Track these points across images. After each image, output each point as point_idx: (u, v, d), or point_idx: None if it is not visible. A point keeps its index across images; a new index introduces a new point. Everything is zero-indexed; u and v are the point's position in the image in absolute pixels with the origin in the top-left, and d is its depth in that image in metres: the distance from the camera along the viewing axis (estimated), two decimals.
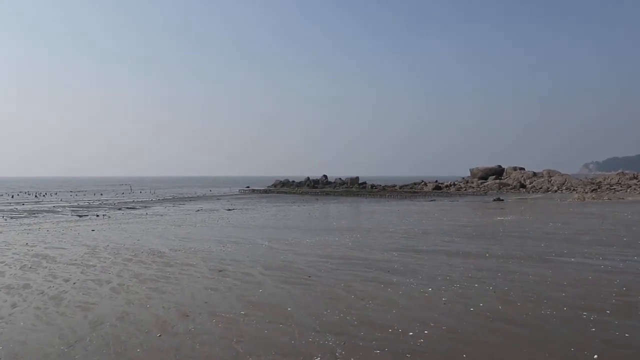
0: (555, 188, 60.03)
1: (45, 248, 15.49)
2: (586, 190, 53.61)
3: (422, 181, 74.29)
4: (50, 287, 9.17)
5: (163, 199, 54.08)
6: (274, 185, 79.88)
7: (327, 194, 61.37)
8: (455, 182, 70.18)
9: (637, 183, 55.31)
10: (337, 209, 33.89)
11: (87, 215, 31.96)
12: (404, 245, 14.09)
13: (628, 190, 51.65)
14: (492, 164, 73.47)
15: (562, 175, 67.33)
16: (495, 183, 65.23)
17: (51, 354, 5.57)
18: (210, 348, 5.54)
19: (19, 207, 40.71)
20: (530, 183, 64.19)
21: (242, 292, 8.29)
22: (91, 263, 12.14)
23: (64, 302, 7.86)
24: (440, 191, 62.21)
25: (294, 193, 64.79)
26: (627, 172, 67.49)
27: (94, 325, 6.47)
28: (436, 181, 73.00)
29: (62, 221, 27.34)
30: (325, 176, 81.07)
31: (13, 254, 14.05)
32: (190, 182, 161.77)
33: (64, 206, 42.76)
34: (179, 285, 8.93)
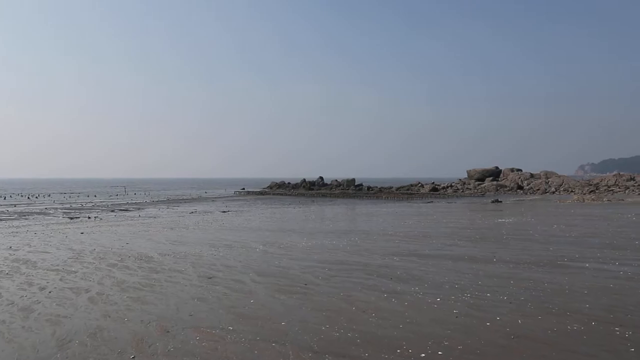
0: (552, 189, 59.60)
1: (29, 252, 14.69)
2: (584, 192, 53.22)
3: (419, 183, 73.66)
4: (22, 296, 8.39)
5: (157, 201, 53.15)
6: (270, 187, 79.08)
7: (324, 195, 60.65)
8: (452, 184, 69.62)
9: (635, 184, 54.89)
10: (334, 211, 33.16)
11: (78, 217, 31.08)
12: (405, 249, 13.38)
13: (626, 191, 51.22)
14: (486, 166, 72.93)
15: (560, 176, 66.94)
16: (493, 185, 64.75)
17: None
18: None
19: (10, 209, 39.71)
20: (528, 184, 63.72)
21: (231, 302, 7.54)
22: (73, 269, 11.37)
23: (33, 315, 7.09)
24: (437, 193, 61.62)
25: (289, 195, 64.01)
26: (623, 173, 67.11)
27: (61, 344, 5.71)
28: (433, 183, 72.41)
29: (52, 223, 26.47)
30: (321, 178, 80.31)
31: None
32: (186, 184, 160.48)
33: (56, 208, 41.82)
34: (164, 295, 8.17)
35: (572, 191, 56.81)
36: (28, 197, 61.86)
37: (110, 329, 6.23)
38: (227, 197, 62.99)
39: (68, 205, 44.90)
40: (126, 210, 39.48)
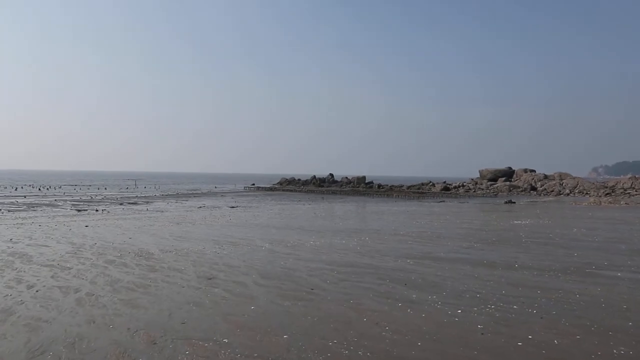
0: (567, 191, 58.22)
1: (28, 245, 14.19)
2: (600, 194, 51.88)
3: (430, 182, 72.60)
4: (7, 295, 7.81)
5: (166, 195, 52.80)
6: (280, 183, 78.51)
7: (334, 192, 59.90)
8: (464, 183, 68.42)
9: None
10: (344, 209, 32.43)
11: (86, 210, 30.70)
12: (418, 251, 12.63)
13: None
14: (500, 166, 71.66)
15: (574, 178, 65.49)
16: (505, 185, 63.49)
17: None
18: None
19: (20, 200, 39.51)
20: (542, 186, 62.35)
21: (230, 308, 6.87)
22: (68, 265, 10.80)
23: (11, 319, 6.47)
24: (448, 192, 60.55)
25: (299, 191, 63.37)
26: (639, 176, 65.47)
27: (32, 356, 5.07)
28: (444, 182, 71.29)
29: (59, 215, 26.08)
30: (331, 175, 79.58)
31: None
32: (197, 178, 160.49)
33: (66, 200, 41.60)
34: (158, 298, 7.52)
35: (587, 193, 55.45)
36: (39, 189, 61.93)
37: (92, 337, 5.58)
38: (237, 192, 62.54)
39: (77, 198, 44.69)
40: (134, 203, 39.11)
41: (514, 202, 40.96)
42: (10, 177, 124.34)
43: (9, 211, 29.04)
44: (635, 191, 53.45)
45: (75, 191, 57.76)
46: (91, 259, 11.74)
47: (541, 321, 6.12)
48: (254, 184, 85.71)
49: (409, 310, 6.63)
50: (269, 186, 75.51)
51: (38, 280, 9.02)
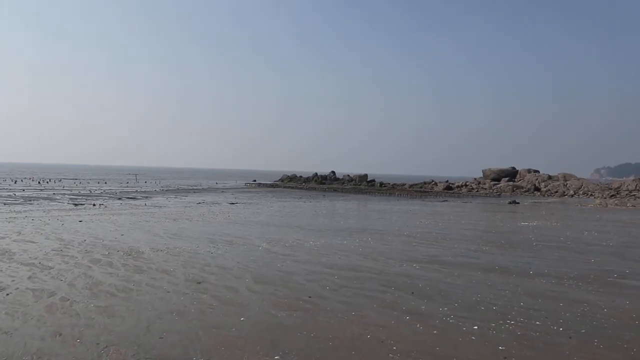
0: (571, 192, 57.37)
1: (14, 241, 13.50)
2: (605, 196, 51.07)
3: (432, 181, 71.77)
4: None
5: (167, 190, 52.10)
6: (281, 179, 77.77)
7: (335, 190, 59.16)
8: (467, 183, 67.58)
9: None
10: (345, 207, 31.68)
11: (83, 204, 30.01)
12: (424, 254, 11.89)
13: None
14: (501, 165, 70.75)
15: (579, 179, 64.65)
16: (509, 185, 62.64)
17: None
18: None
19: (18, 194, 38.83)
20: (545, 186, 61.49)
21: (216, 320, 6.13)
22: (50, 264, 10.09)
23: None
24: (451, 191, 59.75)
25: (301, 188, 62.64)
26: None
27: None
28: (447, 181, 70.45)
29: (55, 209, 25.40)
30: (333, 172, 78.82)
31: None
32: (200, 173, 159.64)
33: (64, 194, 40.91)
34: (138, 305, 6.80)
35: (591, 195, 54.63)
36: (39, 182, 61.33)
37: (52, 355, 4.84)
38: (238, 188, 61.85)
39: (76, 192, 44.02)
40: (133, 198, 38.43)
41: (518, 203, 40.22)
42: (12, 170, 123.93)
43: (4, 204, 28.38)
44: None
45: (75, 185, 57.12)
46: (76, 257, 11.04)
47: (571, 342, 5.37)
48: (255, 180, 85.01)
49: (418, 326, 5.88)
50: (270, 183, 74.79)
51: (13, 281, 8.31)
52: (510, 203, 40.01)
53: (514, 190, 60.68)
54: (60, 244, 13.06)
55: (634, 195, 51.68)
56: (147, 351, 4.95)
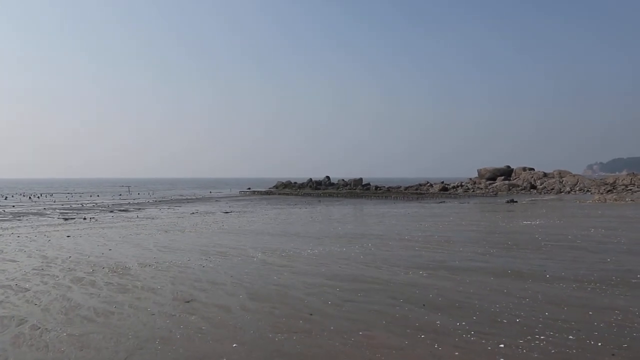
0: (567, 189, 57.03)
1: None
2: (602, 191, 50.78)
3: (428, 182, 71.26)
4: None
5: (160, 201, 51.17)
6: (276, 186, 76.98)
7: (330, 195, 58.46)
8: (463, 183, 67.13)
9: None
10: (341, 212, 30.97)
11: (73, 219, 29.15)
12: (430, 259, 11.19)
13: None
14: (495, 165, 70.33)
15: (574, 176, 64.39)
16: (505, 184, 62.22)
17: None
18: None
19: (7, 210, 37.84)
20: (541, 184, 61.15)
21: (205, 347, 5.37)
22: (27, 285, 9.31)
23: None
24: (447, 192, 59.24)
25: (295, 194, 61.89)
26: (637, 173, 64.40)
27: None
28: (442, 182, 69.96)
29: (43, 225, 24.55)
30: (327, 177, 78.11)
31: None
32: (194, 183, 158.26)
33: (55, 208, 39.97)
34: (118, 331, 6.03)
35: (588, 191, 54.33)
36: (29, 197, 60.26)
37: None
38: (232, 196, 61.04)
39: (68, 206, 43.05)
40: (125, 210, 37.61)
41: (516, 202, 39.74)
42: (1, 185, 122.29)
43: None
44: (637, 187, 52.39)
45: (67, 199, 56.09)
46: (57, 276, 10.26)
47: None
48: (249, 188, 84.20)
49: (436, 346, 5.15)
50: (265, 190, 74.00)
51: None
52: (508, 202, 39.52)
53: (510, 189, 60.26)
54: (42, 262, 12.27)
55: (630, 189, 51.41)
56: None
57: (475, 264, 10.34)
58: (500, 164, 70.19)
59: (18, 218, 29.80)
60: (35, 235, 19.19)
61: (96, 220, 27.30)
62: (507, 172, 68.29)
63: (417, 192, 60.71)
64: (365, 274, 9.46)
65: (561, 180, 61.27)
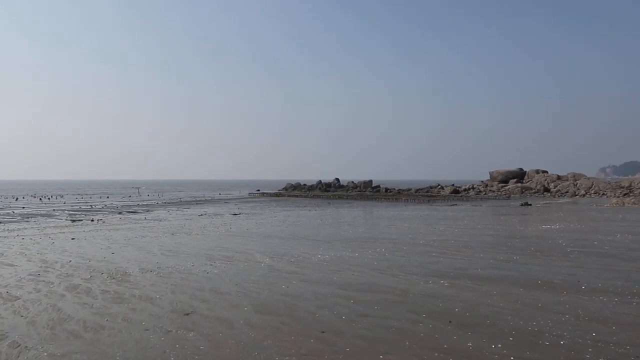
0: (582, 192, 55.73)
1: None
2: (618, 195, 49.49)
3: (439, 185, 70.20)
4: None
5: (169, 203, 50.80)
6: (285, 188, 76.35)
7: (340, 197, 57.68)
8: (474, 186, 66.01)
9: None
10: (352, 214, 30.22)
11: (81, 220, 28.79)
12: (449, 266, 10.41)
13: None
14: (506, 167, 69.10)
15: (589, 178, 63.07)
16: (517, 187, 61.03)
17: None
18: None
19: (17, 211, 37.64)
20: (555, 187, 59.88)
21: None
22: (18, 293, 8.71)
23: None
24: (458, 195, 58.17)
25: (305, 196, 61.22)
26: None
27: None
28: (453, 185, 68.87)
29: (50, 227, 24.15)
30: (337, 179, 77.36)
31: None
32: (204, 185, 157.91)
33: (64, 210, 39.74)
34: (103, 351, 5.35)
35: (603, 194, 53.03)
36: (40, 199, 60.36)
37: None
38: (242, 198, 60.57)
39: (77, 207, 42.82)
40: (134, 212, 37.26)
41: (530, 205, 38.66)
42: (15, 187, 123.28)
43: (0, 222, 27.21)
44: None
45: (77, 200, 56.00)
46: (52, 283, 9.66)
47: None
48: (259, 190, 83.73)
49: None
50: (274, 192, 73.45)
51: None
52: (522, 205, 38.48)
53: (523, 192, 59.09)
54: (40, 267, 11.72)
55: None
56: None
57: (500, 272, 9.54)
58: (511, 167, 69.01)
59: (26, 220, 29.51)
60: (40, 238, 18.74)
61: (103, 222, 26.90)
62: (519, 175, 67.08)
63: (427, 194, 59.74)
64: (381, 283, 8.72)
65: (575, 183, 60.00)
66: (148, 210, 38.23)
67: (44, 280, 9.95)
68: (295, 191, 71.00)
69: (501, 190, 61.43)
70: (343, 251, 13.16)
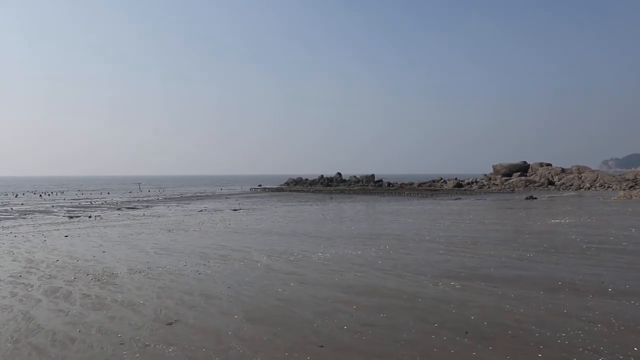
0: (587, 185, 54.82)
1: None
2: (623, 187, 48.67)
3: (441, 179, 69.29)
4: None
5: (169, 198, 50.13)
6: (287, 183, 75.59)
7: (342, 192, 56.91)
8: (477, 180, 65.12)
9: None
10: (354, 209, 29.48)
11: (79, 217, 28.18)
12: (459, 265, 9.67)
13: None
14: (508, 161, 68.11)
15: (594, 171, 62.16)
16: (521, 180, 60.12)
17: None
18: None
19: (15, 208, 37.05)
20: (559, 180, 58.96)
21: None
22: None
23: None
24: (462, 189, 57.32)
25: (307, 191, 60.49)
26: None
27: None
28: (456, 179, 67.97)
29: (46, 223, 23.52)
30: (339, 174, 76.59)
31: None
32: (206, 180, 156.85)
33: (62, 206, 39.12)
34: None
35: (609, 187, 52.16)
36: (40, 195, 59.90)
37: None
38: (243, 193, 59.90)
39: (77, 204, 42.19)
40: (133, 208, 36.64)
41: (536, 198, 37.84)
42: (17, 184, 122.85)
43: None
44: None
45: (76, 196, 55.42)
46: (32, 286, 8.97)
47: None
48: (260, 185, 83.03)
49: None
50: (275, 187, 72.72)
51: None
52: (527, 198, 37.69)
53: (527, 185, 58.21)
54: (24, 267, 11.06)
55: None
56: None
57: (515, 272, 8.80)
58: (513, 160, 68.02)
59: (23, 216, 28.93)
60: (32, 235, 18.10)
61: (101, 218, 26.30)
62: (523, 168, 66.11)
63: (430, 188, 58.94)
64: (386, 285, 7.98)
65: (580, 176, 59.11)
66: (148, 206, 37.62)
67: (23, 283, 9.27)
68: (297, 186, 70.26)
69: (505, 183, 60.59)
70: (345, 249, 12.44)
